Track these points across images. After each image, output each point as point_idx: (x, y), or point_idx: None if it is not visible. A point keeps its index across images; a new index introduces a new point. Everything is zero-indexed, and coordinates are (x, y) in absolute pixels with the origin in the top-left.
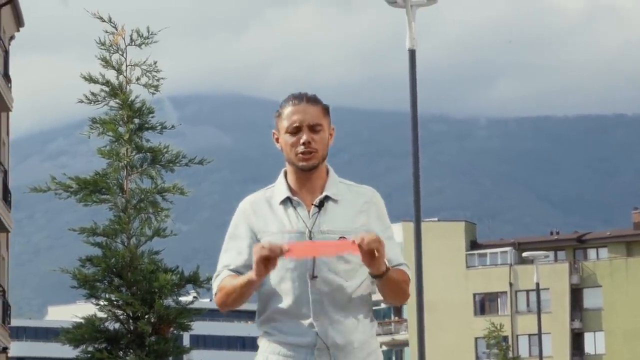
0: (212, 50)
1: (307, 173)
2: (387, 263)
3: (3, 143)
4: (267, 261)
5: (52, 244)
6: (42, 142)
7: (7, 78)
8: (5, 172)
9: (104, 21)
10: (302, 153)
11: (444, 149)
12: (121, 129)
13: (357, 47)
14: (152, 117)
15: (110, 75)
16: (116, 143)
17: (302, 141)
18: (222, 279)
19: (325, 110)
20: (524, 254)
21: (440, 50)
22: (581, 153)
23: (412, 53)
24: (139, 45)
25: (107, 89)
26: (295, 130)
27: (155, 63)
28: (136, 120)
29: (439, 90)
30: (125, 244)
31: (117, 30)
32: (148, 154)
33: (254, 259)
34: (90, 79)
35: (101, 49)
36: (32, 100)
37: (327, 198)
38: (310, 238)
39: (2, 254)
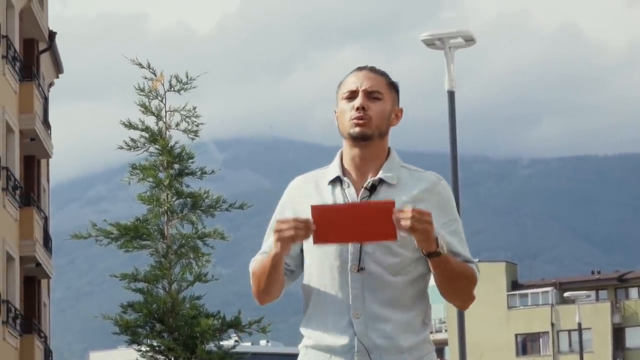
0: (255, 93)
1: (362, 150)
2: (442, 243)
3: (43, 189)
4: (287, 239)
5: (93, 289)
6: (82, 188)
7: (46, 125)
8: (46, 219)
9: (143, 67)
10: (355, 118)
11: (484, 190)
12: (161, 175)
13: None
14: (192, 162)
15: (150, 121)
16: (156, 189)
17: (355, 106)
18: (254, 264)
19: (391, 84)
20: (566, 294)
21: (482, 90)
22: (621, 192)
23: (451, 94)
24: (178, 91)
25: (146, 135)
26: (351, 95)
27: (194, 108)
28: (176, 166)
29: (480, 130)
30: (167, 289)
31: (156, 76)
32: (188, 199)
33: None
34: (130, 126)
35: (140, 95)
36: (71, 146)
37: (381, 181)
38: None
39: (44, 300)
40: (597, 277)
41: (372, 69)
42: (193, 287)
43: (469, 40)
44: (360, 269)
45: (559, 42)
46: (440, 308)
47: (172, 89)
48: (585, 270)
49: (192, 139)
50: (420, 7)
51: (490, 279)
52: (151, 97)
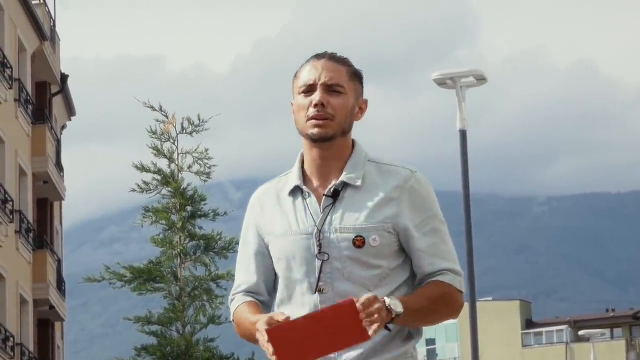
0: (271, 133)
1: (323, 150)
2: (390, 305)
3: (56, 232)
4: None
5: (106, 332)
6: (96, 230)
7: (59, 167)
8: (59, 261)
9: (155, 110)
10: (313, 117)
11: (497, 228)
12: (174, 217)
13: (414, 128)
14: (205, 204)
15: (162, 163)
16: (169, 231)
17: (313, 102)
18: (237, 308)
19: (354, 74)
20: (580, 332)
21: (499, 128)
22: (635, 229)
23: (463, 134)
24: (190, 133)
25: (159, 177)
26: (309, 90)
27: (206, 150)
28: (189, 208)
29: (496, 167)
30: (181, 332)
31: (168, 119)
32: (201, 241)
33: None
34: (143, 168)
35: (153, 137)
36: (84, 189)
37: (344, 185)
38: (319, 240)
39: (57, 343)
40: (612, 314)
41: (332, 57)
42: (207, 330)
43: (481, 79)
44: (320, 291)
45: (574, 79)
46: (455, 347)
47: (185, 131)
48: (600, 308)
49: (205, 181)
50: (436, 46)
51: (505, 318)
52: (163, 140)
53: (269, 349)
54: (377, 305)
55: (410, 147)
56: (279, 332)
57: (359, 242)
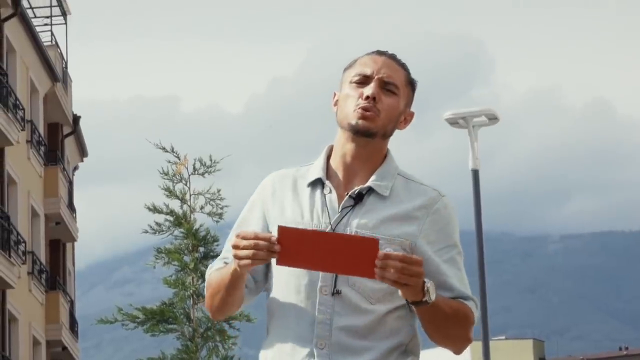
0: None
1: (358, 147)
2: (429, 289)
3: (69, 273)
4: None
5: None
6: (108, 271)
7: (71, 208)
8: (72, 302)
9: (167, 151)
10: (362, 108)
11: (510, 267)
12: (186, 258)
13: (428, 167)
14: (217, 245)
15: (174, 204)
16: (182, 272)
17: (366, 94)
18: (210, 274)
19: (410, 81)
20: None
21: (514, 166)
22: None
23: (475, 173)
24: (202, 174)
25: (171, 218)
26: (363, 80)
27: (218, 191)
28: (201, 249)
29: (508, 206)
30: None
31: (179, 159)
32: None
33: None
34: (155, 209)
35: (164, 178)
36: (97, 229)
37: (370, 190)
38: None
39: None
40: (625, 353)
41: (393, 57)
42: None
43: (493, 118)
44: (336, 292)
45: (589, 117)
46: None
47: (196, 172)
48: (613, 346)
49: (217, 221)
50: (451, 86)
51: (518, 357)
52: (175, 181)
53: (271, 245)
54: (417, 270)
55: (430, 183)
56: (290, 233)
57: None
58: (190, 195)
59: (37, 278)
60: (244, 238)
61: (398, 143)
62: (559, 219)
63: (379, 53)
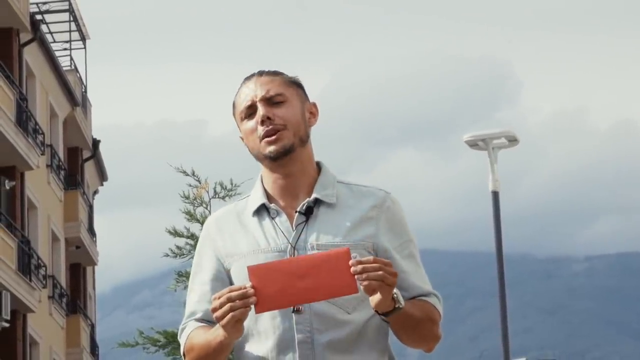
0: None
1: (285, 167)
2: (397, 295)
3: (89, 297)
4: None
5: None
6: (128, 294)
7: (92, 232)
8: (93, 326)
9: (187, 175)
10: (265, 135)
11: (529, 288)
12: None
13: (453, 188)
14: None
15: (195, 228)
16: None
17: (259, 119)
18: (189, 335)
19: (290, 81)
20: None
21: (538, 187)
22: None
23: (495, 195)
24: (223, 198)
25: (192, 242)
26: (251, 111)
27: None
28: None
29: (534, 227)
30: None
31: (200, 183)
32: None
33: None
34: (175, 233)
35: (185, 202)
36: (117, 253)
37: (317, 202)
38: (295, 256)
39: None
40: None
41: (262, 72)
42: None
43: (512, 140)
44: (297, 310)
45: (615, 138)
46: None
47: (217, 195)
48: None
49: None
50: (477, 108)
51: None
52: (196, 205)
53: (246, 293)
54: (391, 269)
55: (451, 207)
56: (260, 270)
57: None
58: None
59: (58, 302)
60: (217, 297)
61: (424, 165)
62: (583, 240)
63: (247, 79)
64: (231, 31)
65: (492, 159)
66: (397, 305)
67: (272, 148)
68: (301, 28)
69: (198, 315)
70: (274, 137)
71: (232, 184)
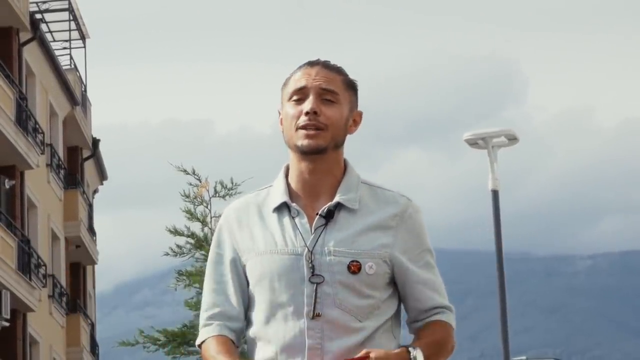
0: None
1: (312, 163)
2: (417, 358)
3: (89, 296)
4: None
5: None
6: (128, 293)
7: (92, 231)
8: (92, 325)
9: (188, 174)
10: (304, 127)
11: (530, 287)
12: None
13: (459, 187)
14: None
15: (195, 227)
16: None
17: (305, 110)
18: (207, 341)
19: (349, 83)
20: None
21: (544, 186)
22: None
23: (495, 194)
24: (223, 197)
25: (192, 241)
26: (300, 96)
27: None
28: None
29: (539, 225)
30: None
31: (200, 182)
32: None
33: None
34: (176, 232)
35: (186, 201)
36: (117, 252)
37: (339, 206)
38: (311, 261)
39: None
40: None
41: (327, 64)
42: None
43: (512, 139)
44: (316, 315)
45: (620, 137)
46: None
47: (217, 194)
48: None
49: None
50: (483, 107)
51: None
52: (196, 204)
53: None
54: None
55: (453, 205)
56: None
57: (355, 268)
58: (211, 218)
59: (58, 301)
60: None
61: (430, 164)
62: (587, 239)
63: (311, 64)
64: (236, 30)
65: (492, 157)
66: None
67: (306, 142)
68: (308, 27)
69: (219, 310)
70: (312, 132)
71: (232, 183)
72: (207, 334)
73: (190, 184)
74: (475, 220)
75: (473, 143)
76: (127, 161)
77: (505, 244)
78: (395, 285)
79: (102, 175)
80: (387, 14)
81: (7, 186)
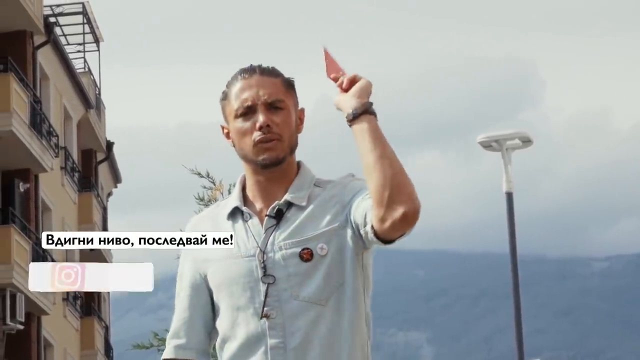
0: None
1: (270, 173)
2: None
3: (104, 299)
4: None
5: None
6: (142, 296)
7: None
8: (107, 328)
9: (202, 177)
10: (261, 141)
11: (544, 289)
12: None
13: (474, 188)
14: None
15: None
16: None
17: (258, 125)
18: None
19: (289, 84)
20: None
21: (560, 189)
22: None
23: (509, 196)
24: None
25: None
26: (248, 112)
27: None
28: None
29: (555, 227)
30: None
31: (215, 185)
32: None
33: None
34: None
35: (200, 204)
36: (131, 255)
37: (288, 205)
38: (263, 261)
39: None
40: None
41: (264, 71)
42: None
43: (526, 141)
44: (265, 316)
45: (637, 139)
46: None
47: None
48: None
49: None
50: (499, 109)
51: None
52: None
53: None
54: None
55: (469, 208)
56: None
57: (306, 255)
58: None
59: (72, 304)
60: None
61: (445, 166)
62: (602, 241)
63: (247, 72)
64: (252, 32)
65: (506, 160)
66: (364, 101)
67: (265, 156)
68: (323, 28)
69: (180, 342)
70: (269, 145)
71: None
72: (166, 355)
73: (205, 187)
74: (489, 222)
75: (487, 145)
76: (141, 164)
77: (519, 246)
78: (357, 255)
79: (116, 178)
80: (403, 16)
81: (21, 189)
